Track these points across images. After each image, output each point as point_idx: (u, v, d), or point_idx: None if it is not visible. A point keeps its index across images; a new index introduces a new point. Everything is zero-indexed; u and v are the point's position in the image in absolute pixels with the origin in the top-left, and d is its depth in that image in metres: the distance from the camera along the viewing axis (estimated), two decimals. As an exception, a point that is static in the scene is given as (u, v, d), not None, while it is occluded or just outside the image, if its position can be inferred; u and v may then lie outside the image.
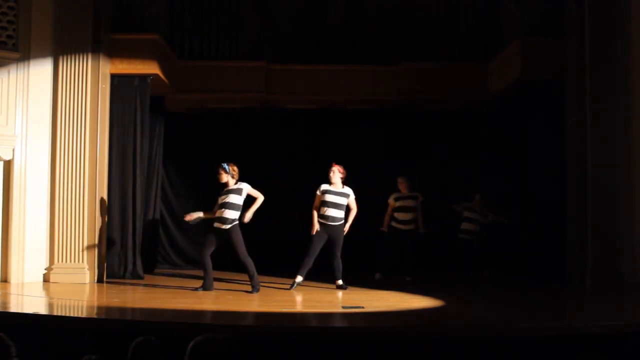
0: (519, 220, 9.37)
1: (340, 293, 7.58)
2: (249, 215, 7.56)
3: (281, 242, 9.84)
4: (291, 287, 7.70)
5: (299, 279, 7.76)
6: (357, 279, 8.36)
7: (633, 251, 7.68)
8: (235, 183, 7.60)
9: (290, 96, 10.55)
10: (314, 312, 6.47)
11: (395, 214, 8.89)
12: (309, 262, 7.75)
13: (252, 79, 10.32)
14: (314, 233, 7.72)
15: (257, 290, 7.47)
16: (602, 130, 8.03)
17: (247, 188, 7.61)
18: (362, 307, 6.36)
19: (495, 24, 10.27)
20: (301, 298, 7.27)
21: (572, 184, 8.39)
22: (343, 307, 6.41)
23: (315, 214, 7.79)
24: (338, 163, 7.95)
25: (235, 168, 7.63)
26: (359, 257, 9.56)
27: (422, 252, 9.84)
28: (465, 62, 10.28)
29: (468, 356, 4.91)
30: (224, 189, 7.60)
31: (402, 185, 8.97)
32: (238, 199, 7.53)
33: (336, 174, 7.86)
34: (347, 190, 7.92)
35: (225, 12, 10.50)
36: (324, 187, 7.86)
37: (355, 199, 7.98)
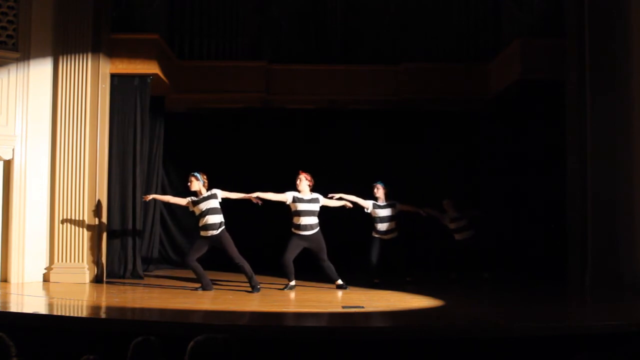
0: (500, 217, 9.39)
1: (340, 293, 7.57)
2: (256, 194, 7.63)
3: (281, 242, 9.81)
4: (285, 288, 7.73)
5: (293, 282, 7.78)
6: (357, 279, 8.36)
7: (633, 251, 7.67)
8: (207, 190, 7.63)
9: (290, 96, 10.55)
10: (314, 312, 6.47)
11: (376, 225, 8.45)
12: (291, 267, 7.73)
13: (252, 79, 10.32)
14: (254, 196, 7.60)
15: (258, 290, 7.48)
16: (602, 130, 8.02)
17: (220, 192, 7.62)
18: (362, 307, 6.36)
19: (495, 24, 10.26)
20: (301, 298, 7.26)
21: (572, 183, 8.39)
22: (343, 307, 6.41)
23: (270, 194, 7.71)
24: (305, 171, 7.89)
25: (205, 176, 7.68)
26: (358, 257, 9.56)
27: (421, 252, 9.86)
28: (465, 62, 10.28)
29: (468, 356, 4.91)
30: (196, 197, 7.62)
31: (380, 193, 8.50)
32: (217, 203, 7.58)
33: (303, 181, 7.78)
34: (316, 195, 7.85)
35: (225, 12, 10.50)
36: (295, 194, 7.77)
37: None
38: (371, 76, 10.44)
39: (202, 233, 7.57)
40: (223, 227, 7.58)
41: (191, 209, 7.67)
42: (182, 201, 7.78)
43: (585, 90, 8.16)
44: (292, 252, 7.74)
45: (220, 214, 7.58)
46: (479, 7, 10.37)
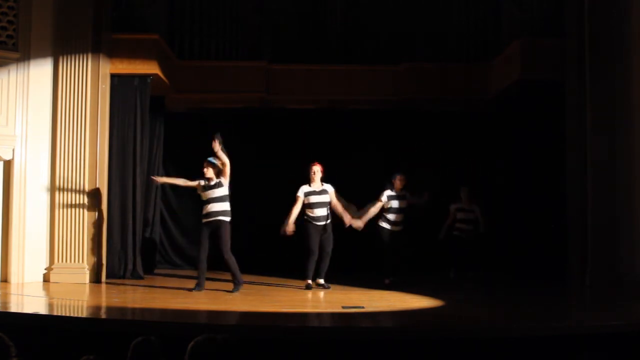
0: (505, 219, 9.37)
1: (340, 293, 7.57)
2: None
3: (281, 242, 9.81)
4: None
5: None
6: (357, 279, 8.36)
7: (633, 251, 7.68)
8: (217, 177, 7.63)
9: (290, 96, 10.54)
10: (314, 312, 6.48)
11: (387, 215, 8.38)
12: (314, 264, 7.79)
13: (252, 79, 10.32)
14: (286, 232, 7.71)
15: (238, 290, 7.46)
16: (602, 130, 8.03)
17: (225, 180, 7.63)
18: (362, 307, 6.36)
19: (495, 24, 10.26)
20: (301, 298, 7.27)
21: (572, 183, 8.39)
22: (343, 307, 6.41)
23: (294, 213, 7.74)
24: (316, 162, 7.99)
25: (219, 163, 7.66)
26: (358, 257, 9.58)
27: (419, 252, 9.85)
28: (465, 62, 10.28)
29: (468, 356, 4.91)
30: (207, 182, 7.58)
31: (399, 184, 8.45)
32: (225, 191, 7.58)
33: (317, 174, 7.89)
34: (326, 186, 7.96)
35: (225, 12, 10.50)
36: (306, 189, 7.87)
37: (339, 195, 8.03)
38: (371, 76, 10.44)
39: (204, 219, 7.56)
40: (228, 216, 7.56)
41: (199, 192, 7.66)
42: (192, 183, 7.74)
43: (585, 90, 8.17)
44: (315, 243, 7.76)
45: (227, 201, 7.58)
46: (479, 7, 10.37)
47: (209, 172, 7.59)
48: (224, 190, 7.59)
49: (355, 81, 10.40)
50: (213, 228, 7.52)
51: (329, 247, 7.88)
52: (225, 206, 7.57)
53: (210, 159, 7.62)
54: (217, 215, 7.51)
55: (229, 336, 2.85)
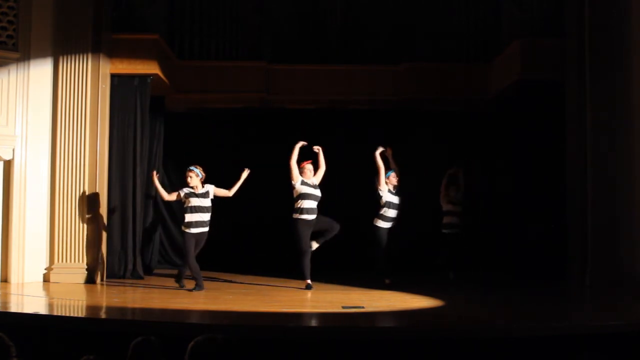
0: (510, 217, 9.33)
1: (339, 292, 7.57)
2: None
3: (281, 242, 9.82)
4: (307, 287, 7.73)
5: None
6: (357, 279, 8.35)
7: (633, 251, 7.68)
8: (203, 186, 7.63)
9: (290, 96, 10.54)
10: (313, 312, 6.47)
11: (386, 211, 8.40)
12: (309, 262, 7.77)
13: (252, 79, 10.31)
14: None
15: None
16: (602, 130, 8.03)
17: (212, 190, 7.67)
18: (362, 307, 6.36)
19: (495, 24, 10.26)
20: (301, 298, 7.26)
21: (572, 183, 8.39)
22: (343, 307, 6.41)
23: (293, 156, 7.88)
24: (306, 160, 8.04)
25: (202, 170, 7.67)
26: (358, 257, 9.57)
27: (417, 253, 9.85)
28: (465, 62, 10.28)
29: (468, 356, 4.91)
30: (191, 190, 7.58)
31: (394, 180, 8.58)
32: (209, 202, 7.62)
33: (308, 173, 7.92)
34: (316, 180, 8.02)
35: (225, 12, 10.50)
36: (301, 178, 7.92)
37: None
38: (371, 76, 10.44)
39: (192, 229, 7.53)
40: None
41: (183, 200, 7.64)
42: (172, 197, 7.74)
43: (585, 90, 8.17)
44: (307, 241, 7.76)
45: (210, 212, 7.64)
46: (479, 7, 10.37)
47: (194, 181, 7.55)
48: (210, 200, 7.64)
49: (355, 81, 10.40)
50: (198, 237, 7.58)
51: (330, 223, 7.91)
52: (210, 215, 7.64)
53: (193, 167, 7.59)
54: (206, 226, 7.59)
55: (229, 336, 2.86)
